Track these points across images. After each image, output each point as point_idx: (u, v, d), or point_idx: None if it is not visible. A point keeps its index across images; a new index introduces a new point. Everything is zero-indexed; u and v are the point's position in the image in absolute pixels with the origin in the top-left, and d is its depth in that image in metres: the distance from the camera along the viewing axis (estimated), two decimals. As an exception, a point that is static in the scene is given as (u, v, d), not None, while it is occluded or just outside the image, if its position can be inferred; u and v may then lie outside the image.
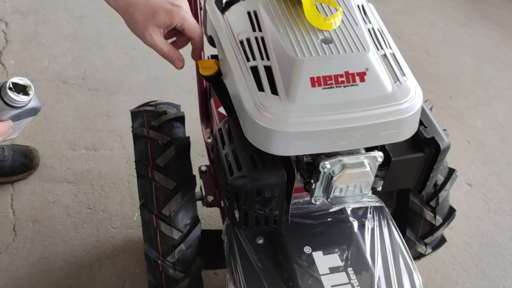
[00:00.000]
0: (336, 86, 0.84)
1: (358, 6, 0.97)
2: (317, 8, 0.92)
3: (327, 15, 0.91)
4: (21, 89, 0.82)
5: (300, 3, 0.92)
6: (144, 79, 2.19)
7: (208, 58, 1.04)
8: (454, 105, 2.20)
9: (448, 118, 2.13)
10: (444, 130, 1.01)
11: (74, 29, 2.42)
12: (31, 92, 0.83)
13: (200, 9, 1.28)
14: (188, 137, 1.17)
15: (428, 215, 1.22)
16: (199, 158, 1.85)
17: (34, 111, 0.89)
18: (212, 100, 1.39)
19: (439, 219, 1.24)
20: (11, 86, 0.81)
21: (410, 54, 2.44)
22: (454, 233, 1.70)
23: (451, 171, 1.23)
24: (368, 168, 0.91)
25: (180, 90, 2.14)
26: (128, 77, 2.19)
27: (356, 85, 0.85)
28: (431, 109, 1.14)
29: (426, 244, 1.28)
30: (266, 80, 0.85)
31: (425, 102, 1.07)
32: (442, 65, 2.40)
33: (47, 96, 2.08)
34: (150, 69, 2.22)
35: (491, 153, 2.00)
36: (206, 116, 1.48)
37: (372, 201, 1.15)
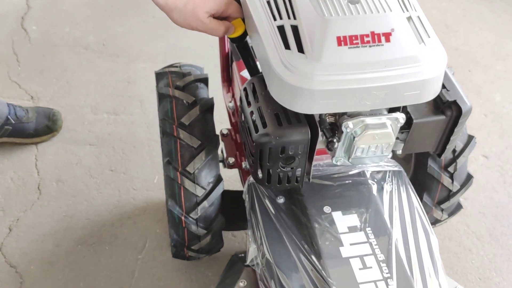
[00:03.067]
0: (362, 46, 0.85)
1: (384, -32, 0.97)
2: None
3: None
4: None
5: (327, -36, 0.93)
6: (163, 47, 2.21)
7: (233, 19, 1.05)
8: (472, 78, 2.19)
9: (466, 91, 2.12)
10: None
11: (94, -4, 2.44)
12: None
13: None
14: (212, 97, 1.19)
15: (446, 180, 1.24)
16: (217, 125, 1.87)
17: None
18: (234, 64, 1.41)
19: (456, 185, 1.25)
20: None
21: (430, 27, 2.42)
22: (469, 203, 1.72)
23: (470, 138, 1.24)
24: (390, 129, 0.93)
25: (199, 58, 2.15)
26: (147, 45, 2.21)
27: (382, 45, 0.86)
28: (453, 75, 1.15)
29: (442, 210, 1.30)
30: (293, 39, 0.87)
31: (447, 68, 1.08)
32: (461, 39, 2.39)
33: (68, 61, 2.11)
34: (170, 37, 2.24)
35: (508, 126, 2.00)
36: (227, 80, 1.50)
37: (391, 166, 1.17)
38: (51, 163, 1.74)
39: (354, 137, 0.93)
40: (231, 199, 1.23)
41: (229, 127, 1.46)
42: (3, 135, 1.73)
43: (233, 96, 1.47)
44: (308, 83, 0.83)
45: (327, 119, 0.96)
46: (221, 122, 1.89)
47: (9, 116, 1.72)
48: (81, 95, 1.97)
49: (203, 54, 2.17)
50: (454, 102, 0.96)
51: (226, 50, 1.45)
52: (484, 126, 2.00)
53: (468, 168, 1.30)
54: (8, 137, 1.74)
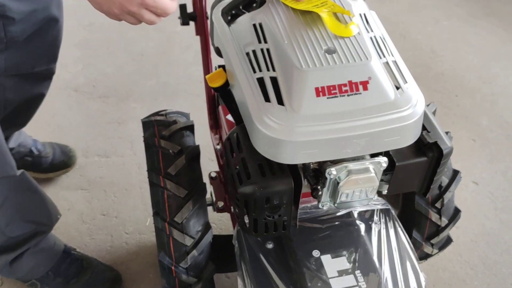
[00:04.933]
0: (340, 95, 0.87)
1: (360, 14, 1.00)
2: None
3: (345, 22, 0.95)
4: None
5: (303, 12, 0.95)
6: (153, 85, 2.23)
7: (216, 69, 1.07)
8: (459, 103, 2.21)
9: (454, 116, 2.14)
10: (447, 132, 1.04)
11: (84, 36, 2.46)
12: None
13: (207, 18, 1.31)
14: (198, 145, 1.20)
15: (434, 216, 1.25)
16: (208, 163, 1.88)
17: None
18: (220, 107, 1.42)
19: (444, 220, 1.26)
20: None
21: (415, 53, 2.45)
22: (461, 232, 1.72)
23: (455, 173, 1.25)
24: (373, 174, 0.94)
25: (188, 95, 2.17)
26: (137, 84, 2.23)
27: (360, 93, 0.87)
28: (434, 112, 1.17)
29: (432, 245, 1.31)
30: (272, 91, 0.88)
31: (428, 105, 1.09)
32: (447, 63, 2.41)
33: (59, 104, 2.12)
34: (159, 75, 2.26)
35: (497, 151, 2.02)
36: (215, 123, 1.51)
37: (378, 204, 1.17)
38: (43, 210, 1.74)
39: (338, 183, 0.94)
40: (222, 243, 1.23)
41: (217, 168, 1.46)
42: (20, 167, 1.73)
43: (220, 138, 1.48)
44: (289, 135, 0.85)
45: (311, 166, 0.97)
46: (212, 160, 1.90)
47: (32, 148, 1.75)
48: (71, 138, 1.98)
49: (192, 91, 2.19)
50: (435, 143, 0.97)
51: (212, 93, 1.46)
52: (473, 151, 2.01)
53: (458, 195, 1.31)
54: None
